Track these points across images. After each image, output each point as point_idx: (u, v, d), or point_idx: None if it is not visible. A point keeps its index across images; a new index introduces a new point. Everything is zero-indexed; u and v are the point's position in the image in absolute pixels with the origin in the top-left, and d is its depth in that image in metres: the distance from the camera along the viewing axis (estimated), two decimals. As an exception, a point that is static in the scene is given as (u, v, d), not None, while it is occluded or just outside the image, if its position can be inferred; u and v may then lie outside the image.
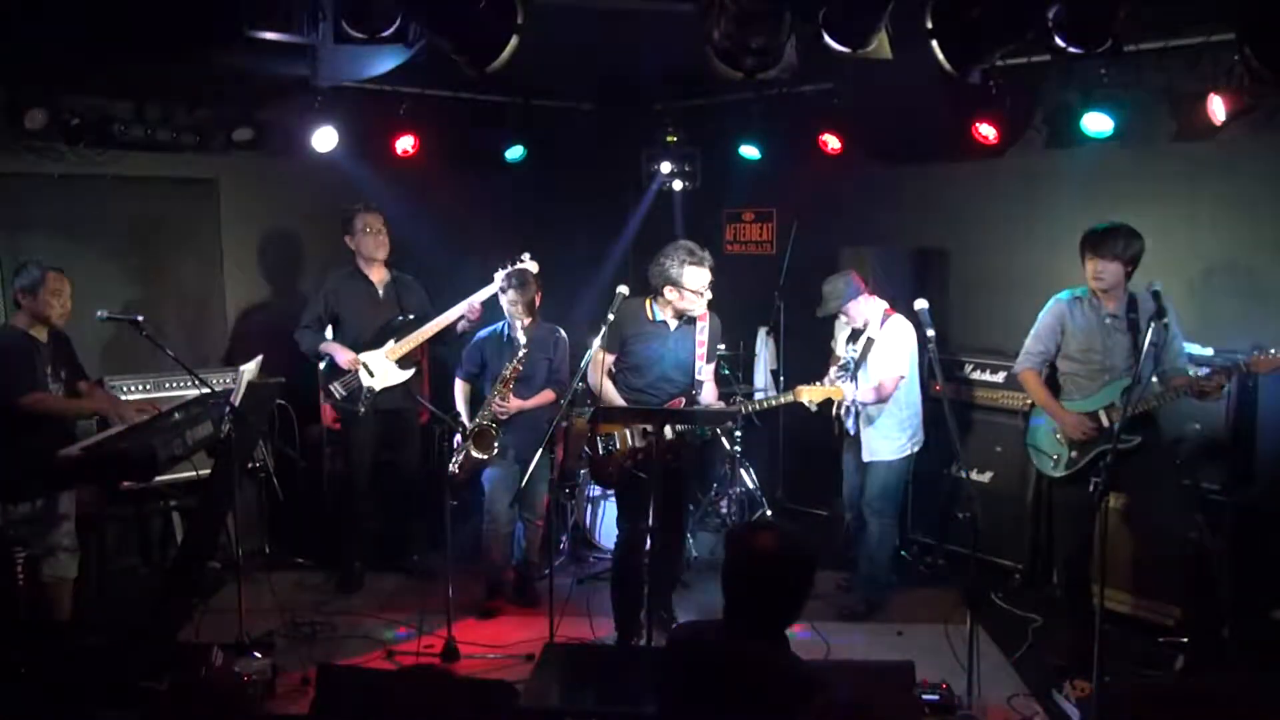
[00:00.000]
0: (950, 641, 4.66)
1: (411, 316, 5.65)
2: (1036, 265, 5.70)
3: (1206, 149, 5.05)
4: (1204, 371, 4.41)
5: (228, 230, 6.29)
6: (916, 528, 6.05)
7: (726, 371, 6.12)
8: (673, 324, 4.82)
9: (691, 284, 4.67)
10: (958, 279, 6.29)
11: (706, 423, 4.95)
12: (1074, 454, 4.54)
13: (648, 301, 4.83)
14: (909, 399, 5.22)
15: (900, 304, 5.14)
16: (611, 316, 4.59)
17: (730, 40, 3.85)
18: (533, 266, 5.45)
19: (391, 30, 3.97)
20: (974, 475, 5.79)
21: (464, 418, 5.47)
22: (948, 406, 4.31)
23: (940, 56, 3.94)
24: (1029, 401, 4.90)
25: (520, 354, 5.18)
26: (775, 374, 6.75)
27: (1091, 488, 4.37)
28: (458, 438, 5.34)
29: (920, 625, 5.12)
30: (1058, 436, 4.61)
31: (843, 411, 5.27)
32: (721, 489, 6.46)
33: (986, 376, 5.84)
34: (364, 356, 5.54)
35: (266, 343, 5.45)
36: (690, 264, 4.66)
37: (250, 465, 5.57)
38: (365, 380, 5.54)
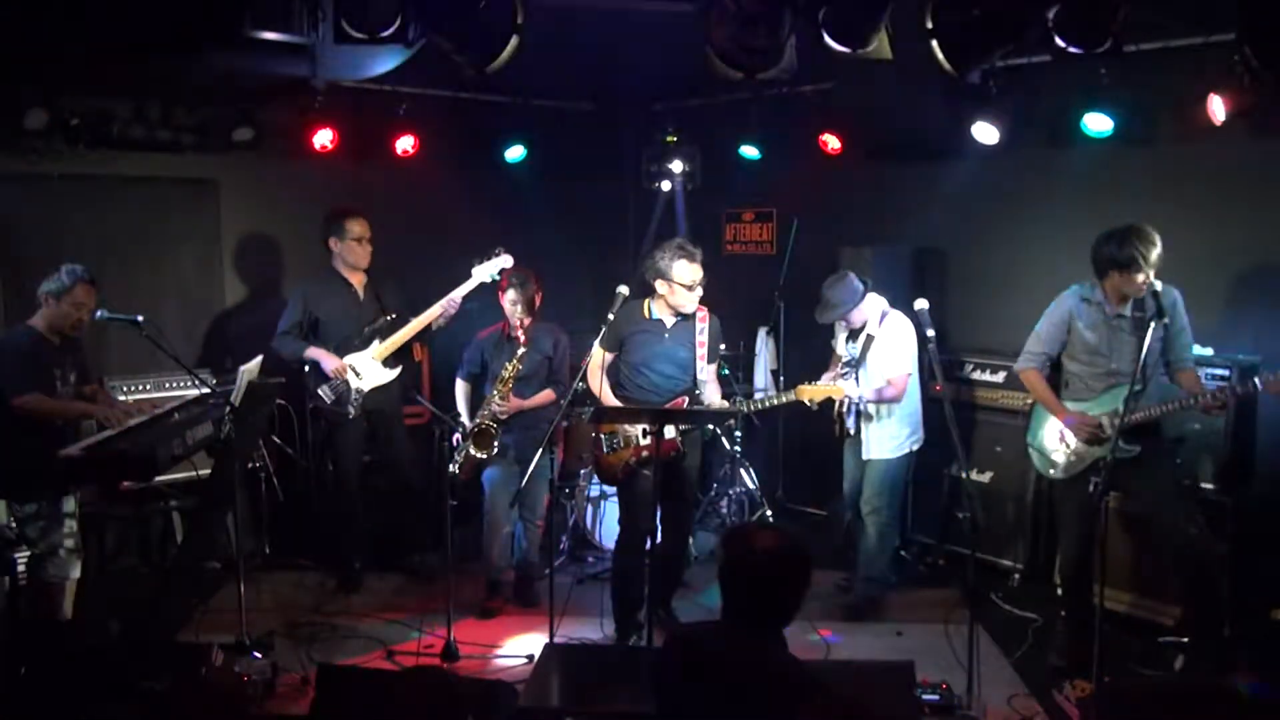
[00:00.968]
0: (950, 641, 4.66)
1: (394, 316, 5.61)
2: (1036, 265, 5.69)
3: (1206, 149, 5.04)
4: (1211, 387, 4.39)
5: (228, 230, 6.29)
6: (916, 528, 6.05)
7: (726, 372, 6.11)
8: (669, 321, 4.84)
9: (681, 278, 4.69)
10: (957, 279, 6.29)
11: (706, 422, 4.95)
12: (1075, 455, 4.54)
13: (646, 301, 4.89)
14: (910, 396, 5.22)
15: (900, 304, 5.14)
16: (611, 316, 4.62)
17: (730, 40, 3.85)
18: (507, 261, 5.44)
19: (391, 30, 3.98)
20: (974, 475, 5.78)
21: (464, 418, 5.47)
22: (948, 406, 4.30)
23: (940, 56, 3.94)
24: (1029, 401, 4.90)
25: (520, 353, 5.19)
26: (775, 374, 6.75)
27: (1091, 488, 4.37)
28: (457, 437, 5.35)
29: (920, 625, 5.12)
30: (1060, 436, 4.60)
31: (844, 410, 5.28)
32: (721, 489, 6.46)
33: (986, 376, 5.84)
34: (349, 359, 5.52)
35: (266, 343, 5.46)
36: (680, 258, 4.68)
37: (250, 465, 5.56)
38: (354, 382, 5.51)
